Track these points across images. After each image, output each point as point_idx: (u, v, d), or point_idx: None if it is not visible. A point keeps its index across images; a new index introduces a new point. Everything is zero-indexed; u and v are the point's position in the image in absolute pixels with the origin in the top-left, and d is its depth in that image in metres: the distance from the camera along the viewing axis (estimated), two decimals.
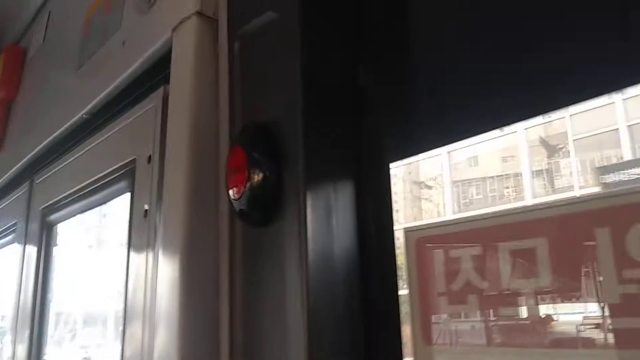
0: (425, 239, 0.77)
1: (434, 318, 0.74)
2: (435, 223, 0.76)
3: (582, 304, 0.60)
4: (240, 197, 0.84)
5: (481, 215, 0.71)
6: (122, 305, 1.13)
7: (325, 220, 0.83)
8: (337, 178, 0.84)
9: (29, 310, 1.63)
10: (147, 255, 1.08)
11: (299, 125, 0.83)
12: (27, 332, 1.63)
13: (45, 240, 1.67)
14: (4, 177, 2.00)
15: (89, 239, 1.78)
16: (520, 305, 0.65)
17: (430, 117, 0.78)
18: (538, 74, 0.67)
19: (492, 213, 0.71)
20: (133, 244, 1.15)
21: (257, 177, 0.84)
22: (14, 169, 1.89)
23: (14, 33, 2.31)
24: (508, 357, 0.66)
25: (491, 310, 0.68)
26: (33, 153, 1.72)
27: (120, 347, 1.09)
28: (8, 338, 1.80)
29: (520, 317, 0.65)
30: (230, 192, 0.86)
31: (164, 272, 0.93)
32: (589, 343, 0.59)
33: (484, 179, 1.36)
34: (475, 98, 0.74)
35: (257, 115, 0.91)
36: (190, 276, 0.87)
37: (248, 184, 0.83)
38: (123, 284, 1.16)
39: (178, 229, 0.91)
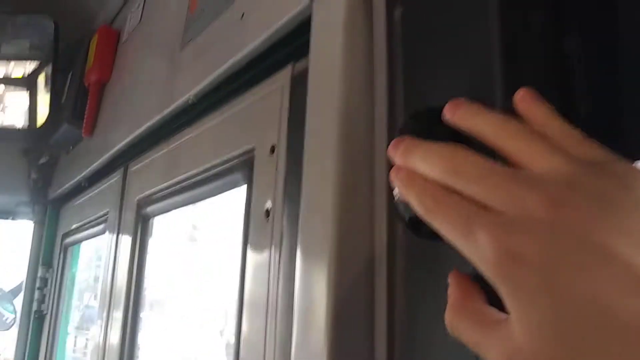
0: None
1: None
2: None
3: None
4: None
5: None
6: (231, 321, 0.98)
7: None
8: None
9: (122, 298, 1.53)
10: (270, 262, 0.92)
11: (497, 105, 0.64)
12: (120, 323, 1.53)
13: (140, 233, 1.55)
14: (95, 163, 1.91)
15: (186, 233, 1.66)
16: None
17: None
18: None
19: None
20: (252, 247, 0.99)
21: None
22: (107, 155, 1.79)
23: (107, 13, 2.22)
24: None
25: None
26: (129, 139, 1.61)
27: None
28: (99, 325, 1.70)
29: None
30: (397, 194, 0.68)
31: (303, 291, 0.76)
32: None
33: None
34: None
35: (428, 98, 0.72)
36: (339, 302, 0.70)
37: None
38: (237, 292, 1.01)
39: (324, 237, 0.73)
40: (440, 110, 0.66)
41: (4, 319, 3.24)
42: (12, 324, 3.21)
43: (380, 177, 0.74)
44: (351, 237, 0.73)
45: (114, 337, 1.54)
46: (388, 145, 0.65)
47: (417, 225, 0.68)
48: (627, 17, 0.66)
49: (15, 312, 3.21)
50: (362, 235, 0.74)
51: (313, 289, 0.73)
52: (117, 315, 1.55)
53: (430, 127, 0.68)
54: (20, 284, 2.85)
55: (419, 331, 0.68)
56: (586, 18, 0.68)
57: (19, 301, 2.83)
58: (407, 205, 0.66)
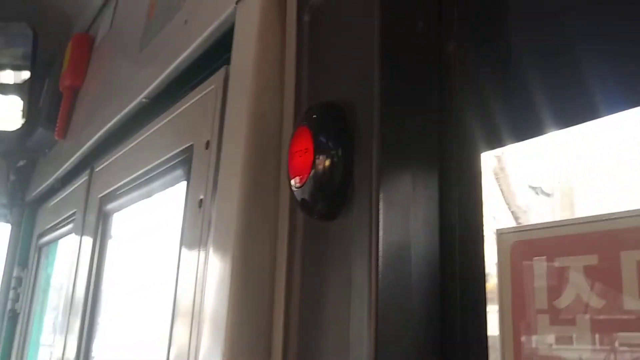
0: (524, 243, 0.63)
1: (529, 340, 0.61)
2: (537, 225, 0.63)
3: None
4: (302, 185, 0.73)
5: (598, 217, 0.58)
6: (172, 297, 1.05)
7: (402, 216, 0.71)
8: (417, 167, 0.72)
9: (81, 299, 1.59)
10: (200, 247, 0.99)
11: (375, 105, 0.71)
12: (78, 324, 1.59)
13: (101, 229, 1.62)
14: (65, 165, 1.99)
15: (143, 231, 1.72)
16: None
17: (531, 101, 0.65)
18: None
19: (613, 214, 0.57)
20: (185, 235, 1.07)
21: (324, 162, 0.73)
22: (74, 157, 1.87)
23: (83, 22, 2.30)
24: None
25: (608, 336, 0.55)
26: (93, 140, 1.68)
27: (168, 342, 1.00)
28: (60, 329, 1.76)
29: None
30: (292, 179, 0.75)
31: (215, 265, 0.84)
32: None
33: None
34: (583, 81, 0.61)
35: (327, 94, 0.80)
36: (242, 271, 0.77)
37: (312, 171, 0.72)
38: (174, 275, 1.08)
39: (232, 219, 0.81)
40: (333, 104, 0.75)
41: None
42: None
43: (285, 164, 0.82)
44: (256, 218, 0.80)
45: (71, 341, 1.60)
46: (293, 136, 0.74)
47: (308, 207, 0.76)
48: (504, 25, 0.74)
49: None
50: (267, 216, 0.81)
51: (222, 260, 0.81)
52: (77, 310, 1.61)
53: (324, 119, 0.76)
54: None
55: (311, 293, 0.75)
56: (466, 26, 0.76)
57: None
58: (300, 190, 0.74)
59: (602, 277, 0.55)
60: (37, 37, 2.44)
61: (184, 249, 1.06)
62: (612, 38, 0.58)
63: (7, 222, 2.60)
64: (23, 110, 2.32)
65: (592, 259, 0.57)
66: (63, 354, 1.68)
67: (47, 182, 2.24)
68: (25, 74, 2.76)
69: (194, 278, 0.98)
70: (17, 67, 2.94)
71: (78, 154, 1.83)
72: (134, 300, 1.62)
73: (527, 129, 0.66)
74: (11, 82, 2.95)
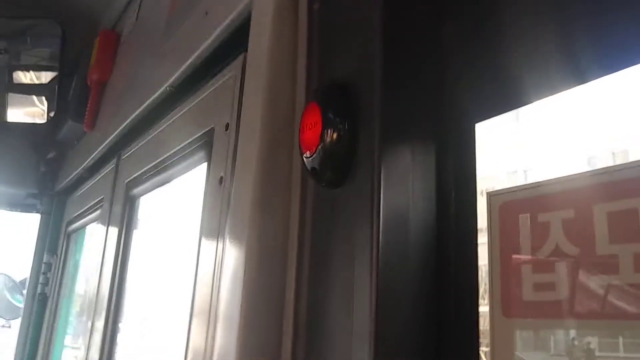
0: (511, 203, 0.70)
1: (515, 288, 0.68)
2: (522, 186, 0.70)
3: None
4: (312, 155, 0.81)
5: (574, 175, 0.64)
6: (194, 269, 1.14)
7: (401, 183, 0.78)
8: (416, 138, 0.79)
9: (108, 279, 1.68)
10: (220, 220, 1.07)
11: (377, 82, 0.79)
12: (105, 305, 1.68)
13: (127, 213, 1.72)
14: (94, 154, 2.09)
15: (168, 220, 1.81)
16: (617, 273, 0.58)
17: (521, 71, 0.72)
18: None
19: (587, 172, 0.64)
20: (206, 211, 1.15)
21: (331, 135, 0.80)
22: (102, 146, 1.97)
23: (110, 18, 2.41)
24: (599, 330, 0.59)
25: (582, 280, 0.61)
26: (121, 128, 1.78)
27: (190, 304, 1.09)
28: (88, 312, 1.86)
29: (616, 285, 0.58)
30: (304, 151, 0.83)
31: (233, 232, 0.92)
32: None
33: None
34: (568, 49, 0.67)
35: (335, 73, 0.88)
36: (258, 236, 0.85)
37: (321, 142, 0.80)
38: (196, 249, 1.16)
39: (249, 190, 0.89)
40: (340, 84, 0.82)
41: (14, 308, 3.42)
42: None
43: (298, 141, 0.89)
44: (270, 188, 0.88)
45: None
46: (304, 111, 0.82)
47: (318, 175, 0.84)
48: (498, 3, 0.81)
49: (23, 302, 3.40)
50: (281, 185, 0.89)
51: (240, 228, 0.89)
52: (105, 289, 1.71)
53: (331, 96, 0.84)
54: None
55: (321, 254, 0.83)
56: (462, 4, 0.83)
57: None
58: (310, 160, 0.82)
59: (578, 228, 0.62)
60: (65, 35, 2.55)
61: (204, 222, 1.15)
62: (597, 8, 0.65)
63: (38, 212, 2.72)
64: (49, 107, 2.44)
65: (569, 213, 0.63)
66: (90, 336, 1.77)
67: (76, 172, 2.34)
68: (51, 74, 2.89)
69: (215, 247, 1.06)
70: (43, 68, 3.08)
71: (106, 143, 1.93)
72: (158, 281, 1.72)
73: (516, 99, 0.73)
74: (37, 82, 3.09)
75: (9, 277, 3.68)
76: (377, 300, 0.74)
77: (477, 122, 0.76)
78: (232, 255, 0.90)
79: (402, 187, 0.78)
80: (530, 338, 0.67)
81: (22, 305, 3.41)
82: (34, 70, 3.11)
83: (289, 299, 0.84)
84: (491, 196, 0.73)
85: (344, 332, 0.76)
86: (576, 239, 0.62)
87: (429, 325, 0.74)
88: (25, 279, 3.56)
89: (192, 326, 1.08)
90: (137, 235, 1.76)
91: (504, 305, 0.69)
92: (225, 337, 0.88)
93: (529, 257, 0.67)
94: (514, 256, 0.68)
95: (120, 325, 1.68)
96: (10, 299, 3.50)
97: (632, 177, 0.58)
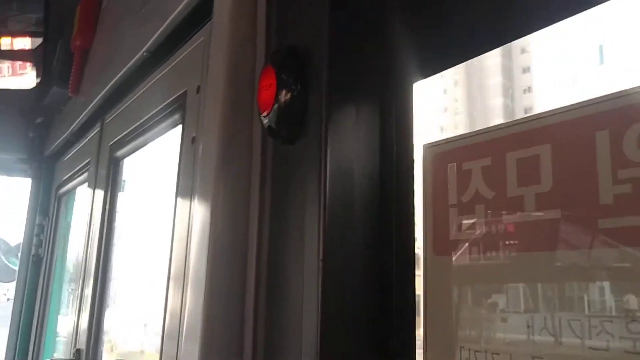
0: (442, 154, 0.79)
1: (444, 229, 0.76)
2: (451, 138, 0.78)
3: (581, 207, 0.61)
4: (269, 114, 0.89)
5: (493, 127, 0.72)
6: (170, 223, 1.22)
7: (348, 138, 0.86)
8: (361, 98, 0.87)
9: (97, 234, 1.77)
10: (193, 179, 1.16)
11: (325, 46, 0.86)
12: (93, 261, 1.78)
13: (112, 174, 1.80)
14: (79, 119, 2.15)
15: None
16: (524, 211, 0.66)
17: (454, 33, 0.79)
18: None
19: (504, 124, 0.72)
20: (181, 170, 1.23)
21: (285, 96, 0.88)
22: (87, 110, 2.03)
23: None
24: (515, 261, 0.68)
25: (497, 218, 0.70)
26: (103, 93, 1.84)
27: (168, 260, 1.18)
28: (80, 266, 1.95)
29: (525, 222, 0.67)
30: (261, 110, 0.91)
31: (200, 189, 1.00)
32: (586, 242, 0.60)
33: None
34: (496, 9, 0.75)
35: (290, 38, 0.95)
36: (222, 191, 0.94)
37: (276, 102, 0.88)
38: (172, 205, 1.24)
39: (213, 148, 0.97)
40: (293, 48, 0.89)
41: (10, 270, 3.54)
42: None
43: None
44: (234, 148, 0.96)
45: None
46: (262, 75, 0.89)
47: (274, 132, 0.92)
48: None
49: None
50: (243, 143, 0.97)
51: (205, 184, 0.97)
52: (93, 246, 1.80)
53: (284, 60, 0.91)
54: None
55: (279, 203, 0.92)
56: None
57: None
58: (267, 118, 0.90)
59: (493, 174, 0.71)
60: (48, 2, 2.59)
61: (180, 180, 1.23)
62: None
63: (28, 176, 2.79)
64: (36, 73, 2.49)
65: (487, 161, 0.72)
66: (81, 292, 1.87)
67: (63, 136, 2.41)
68: (37, 40, 2.93)
69: (189, 202, 1.15)
70: (29, 34, 3.12)
71: (90, 107, 1.99)
72: (144, 240, 1.81)
73: (449, 59, 0.81)
74: (25, 47, 3.12)
75: (4, 241, 3.78)
76: (325, 245, 0.82)
77: (415, 81, 0.84)
78: (199, 211, 0.99)
79: (348, 142, 0.86)
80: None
81: (17, 268, 3.52)
82: (20, 36, 3.15)
83: (252, 248, 0.93)
84: (426, 148, 0.81)
85: (298, 275, 0.86)
86: (492, 183, 0.71)
87: (371, 263, 0.83)
88: (20, 243, 3.67)
89: (170, 281, 1.17)
90: (122, 197, 1.84)
91: (435, 244, 0.78)
92: (195, 288, 0.97)
93: (455, 201, 0.75)
94: (443, 201, 0.77)
95: (109, 283, 1.77)
96: (7, 262, 3.61)
97: (537, 127, 0.67)
